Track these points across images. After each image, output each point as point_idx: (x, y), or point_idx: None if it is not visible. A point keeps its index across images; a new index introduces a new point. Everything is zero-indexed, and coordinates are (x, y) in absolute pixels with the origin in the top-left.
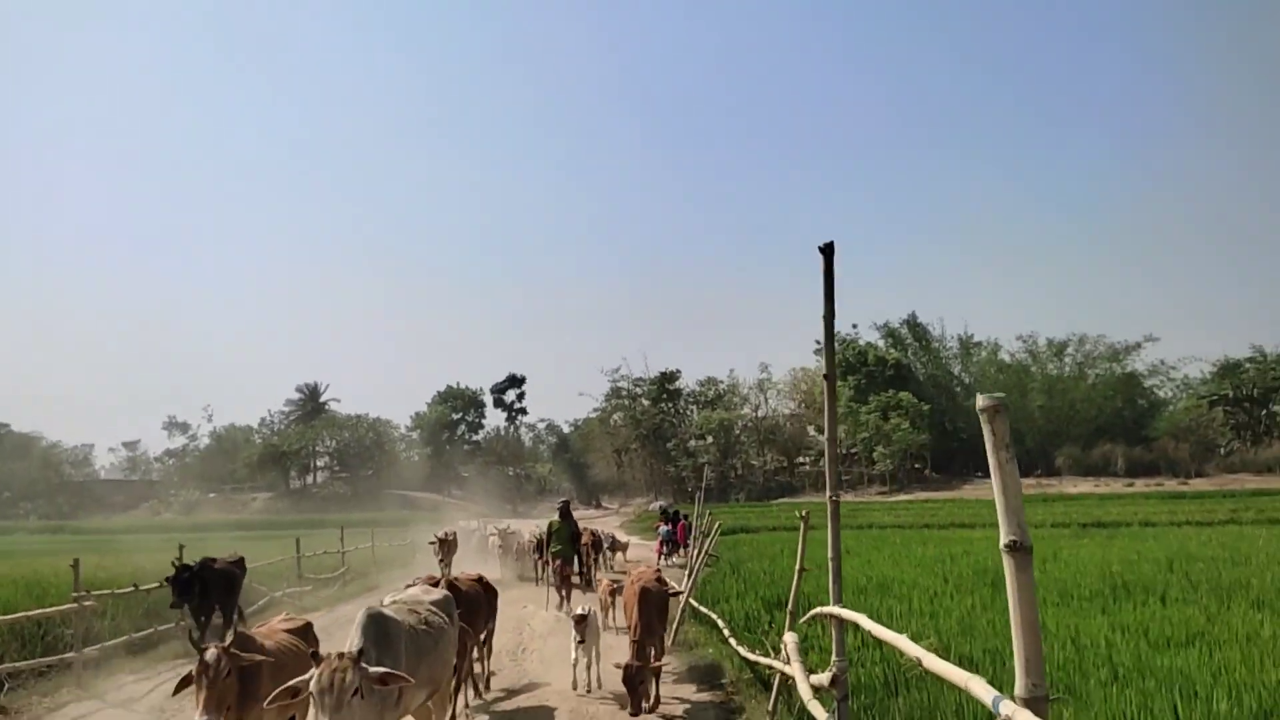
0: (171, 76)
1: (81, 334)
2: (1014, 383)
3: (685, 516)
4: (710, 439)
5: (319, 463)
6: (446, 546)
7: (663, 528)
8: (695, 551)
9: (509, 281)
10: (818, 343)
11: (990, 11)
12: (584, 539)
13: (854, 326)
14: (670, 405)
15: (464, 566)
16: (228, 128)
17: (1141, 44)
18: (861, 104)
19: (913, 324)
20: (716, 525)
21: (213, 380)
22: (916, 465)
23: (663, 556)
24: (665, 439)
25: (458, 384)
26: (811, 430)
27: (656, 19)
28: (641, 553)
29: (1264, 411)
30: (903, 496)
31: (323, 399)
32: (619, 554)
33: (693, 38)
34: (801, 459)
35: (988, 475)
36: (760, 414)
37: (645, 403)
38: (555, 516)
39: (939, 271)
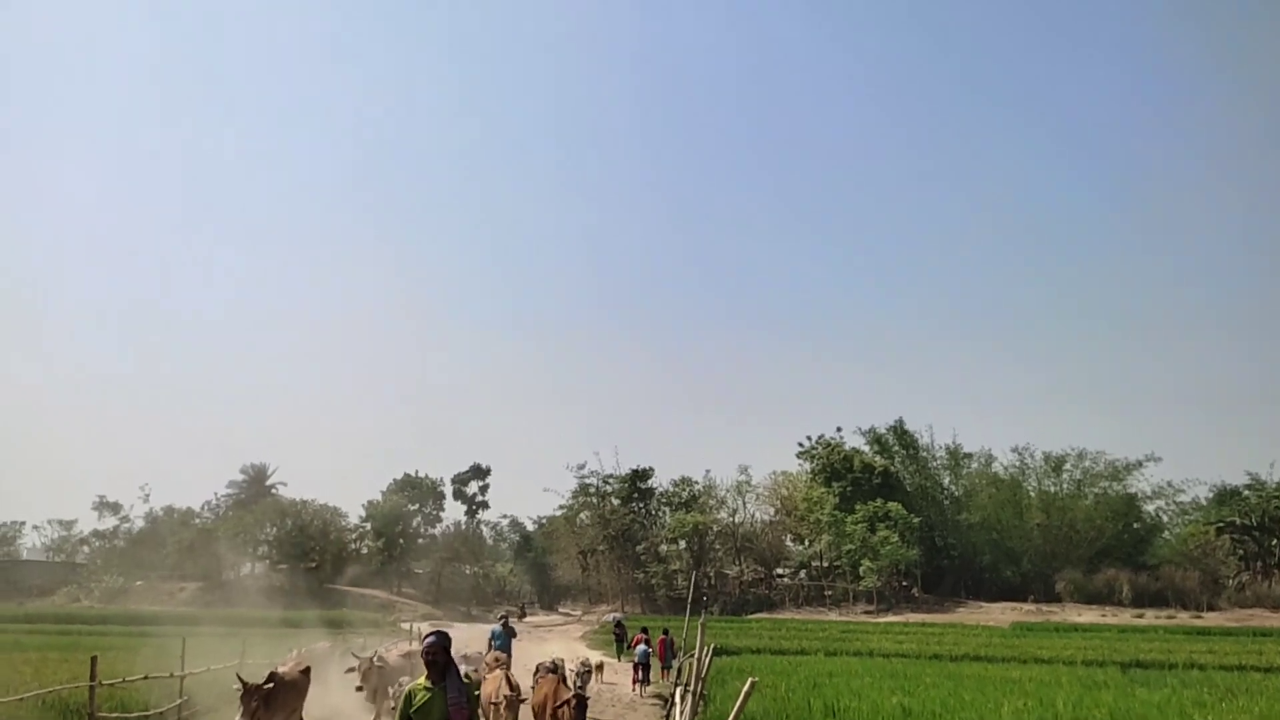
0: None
1: (12, 404)
2: (1008, 498)
3: (666, 632)
4: (683, 544)
5: (258, 551)
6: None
7: (640, 647)
8: (688, 679)
9: (473, 367)
10: (800, 445)
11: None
12: (489, 691)
13: (838, 430)
14: (641, 505)
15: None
16: (182, 187)
17: (1170, 125)
18: (857, 183)
19: (899, 430)
20: (710, 650)
21: (153, 459)
22: (904, 583)
23: (639, 685)
24: (635, 541)
25: (416, 472)
26: (789, 540)
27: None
28: (616, 681)
29: (1274, 541)
30: (892, 617)
31: (269, 482)
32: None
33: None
34: (780, 570)
35: (979, 598)
36: (737, 519)
37: (615, 502)
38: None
39: (927, 375)
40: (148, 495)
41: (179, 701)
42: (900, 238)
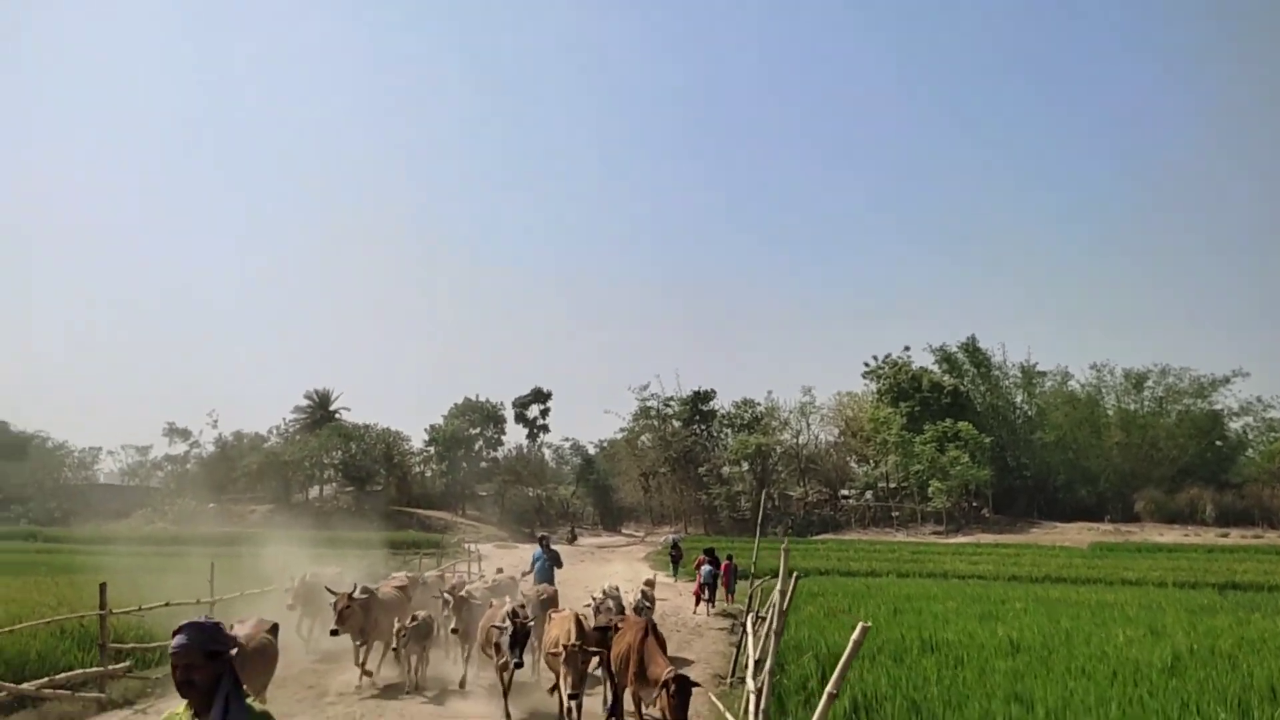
0: (184, 77)
1: (87, 334)
2: (1085, 417)
3: (730, 557)
4: (746, 465)
5: (324, 475)
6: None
7: (705, 566)
8: (760, 606)
9: (535, 289)
10: (866, 365)
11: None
12: (552, 637)
13: (906, 349)
14: (703, 428)
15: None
16: (242, 123)
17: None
18: (915, 121)
19: (971, 348)
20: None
21: (220, 385)
22: (974, 504)
23: (703, 602)
24: (697, 463)
25: (477, 396)
26: (853, 461)
27: (708, 24)
28: (668, 596)
29: None
30: (962, 538)
31: (333, 407)
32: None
33: (736, 40)
34: (845, 492)
35: (1053, 518)
36: (801, 440)
37: (676, 424)
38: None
39: (1000, 298)
40: (216, 421)
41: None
42: (970, 148)
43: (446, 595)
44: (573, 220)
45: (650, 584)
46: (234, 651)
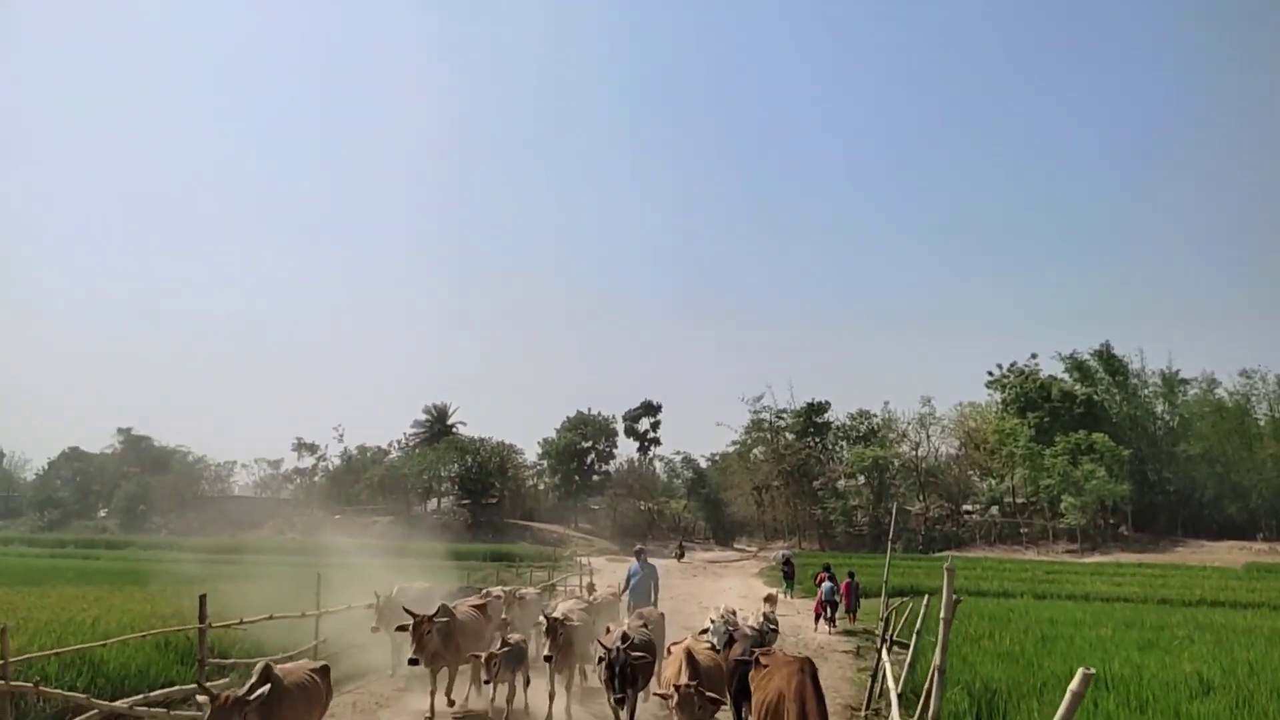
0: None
1: (218, 350)
2: (1234, 427)
3: (852, 575)
4: (862, 478)
5: (441, 487)
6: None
7: (825, 583)
8: (910, 639)
9: (647, 301)
10: (990, 374)
11: None
12: (667, 676)
13: (1033, 357)
14: (817, 440)
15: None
16: (366, 126)
17: None
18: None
19: (1105, 355)
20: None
21: (346, 401)
22: (1111, 521)
23: (823, 620)
24: (811, 477)
25: (589, 410)
26: (974, 475)
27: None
28: (785, 614)
29: None
30: (1099, 557)
31: (450, 421)
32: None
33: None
34: (968, 507)
35: (1199, 536)
36: (920, 453)
37: (789, 436)
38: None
39: (1138, 303)
40: (342, 435)
41: (314, 643)
42: (1099, 142)
43: (542, 618)
44: (687, 229)
45: (771, 601)
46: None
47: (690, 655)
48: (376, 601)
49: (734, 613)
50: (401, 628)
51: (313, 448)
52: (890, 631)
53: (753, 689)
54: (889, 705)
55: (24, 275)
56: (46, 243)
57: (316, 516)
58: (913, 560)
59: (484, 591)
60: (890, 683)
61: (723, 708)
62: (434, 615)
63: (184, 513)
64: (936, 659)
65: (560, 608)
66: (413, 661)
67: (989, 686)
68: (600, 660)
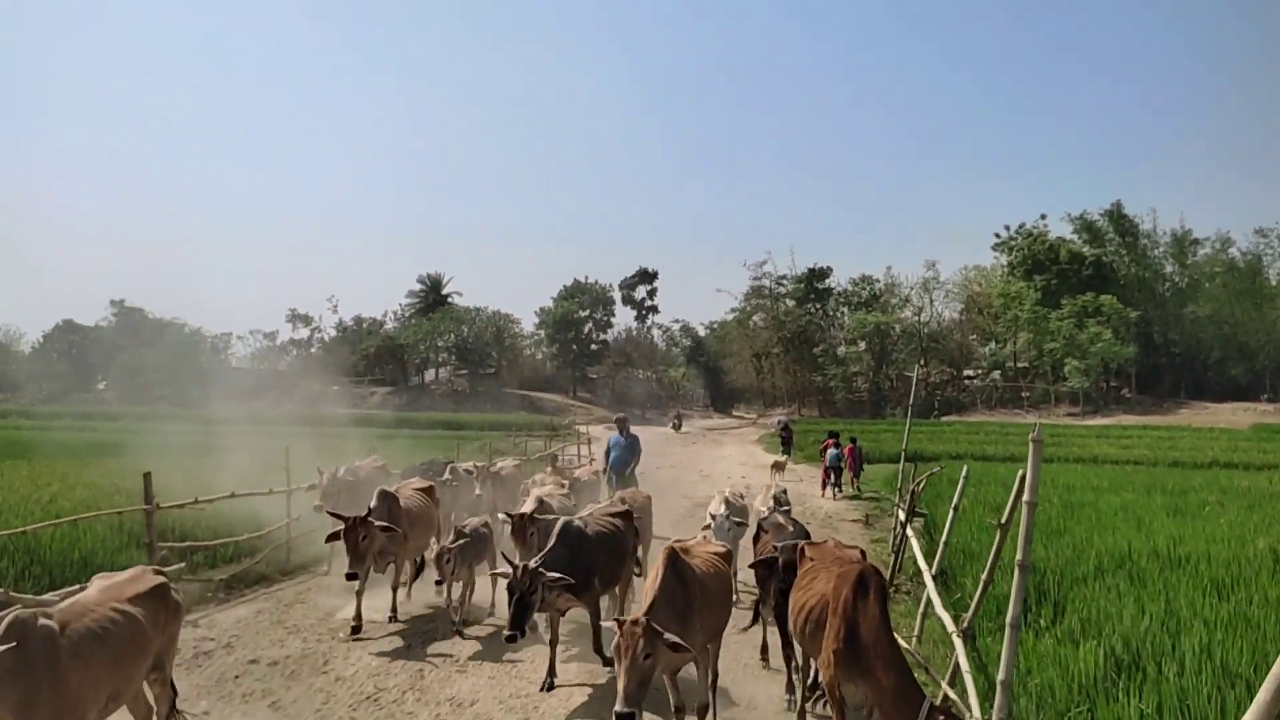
0: None
1: (209, 221)
2: (1245, 287)
3: (854, 440)
4: (864, 344)
5: (439, 358)
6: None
7: (830, 450)
8: (902, 508)
9: (639, 166)
10: (997, 236)
11: None
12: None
13: (1042, 217)
14: (818, 306)
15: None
16: (363, 31)
17: None
18: None
19: (1116, 215)
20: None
21: (339, 271)
22: (1113, 384)
23: (829, 487)
24: (812, 343)
25: (586, 278)
26: (974, 340)
27: None
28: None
29: None
30: (1101, 419)
31: (445, 291)
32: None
33: None
34: (970, 372)
35: (1203, 398)
36: (923, 318)
37: (790, 303)
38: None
39: (1147, 152)
40: (336, 306)
41: (286, 521)
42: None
43: (504, 516)
44: (677, 98)
45: (780, 468)
46: None
47: (672, 555)
48: (320, 480)
49: (742, 495)
50: (333, 535)
51: (307, 319)
52: (913, 503)
53: (793, 587)
54: (910, 580)
55: (12, 142)
56: (36, 108)
57: (314, 388)
58: (914, 424)
59: (450, 467)
60: (922, 562)
61: (752, 624)
62: (366, 516)
63: (182, 385)
64: (1019, 555)
65: (535, 492)
66: (350, 576)
67: (1036, 567)
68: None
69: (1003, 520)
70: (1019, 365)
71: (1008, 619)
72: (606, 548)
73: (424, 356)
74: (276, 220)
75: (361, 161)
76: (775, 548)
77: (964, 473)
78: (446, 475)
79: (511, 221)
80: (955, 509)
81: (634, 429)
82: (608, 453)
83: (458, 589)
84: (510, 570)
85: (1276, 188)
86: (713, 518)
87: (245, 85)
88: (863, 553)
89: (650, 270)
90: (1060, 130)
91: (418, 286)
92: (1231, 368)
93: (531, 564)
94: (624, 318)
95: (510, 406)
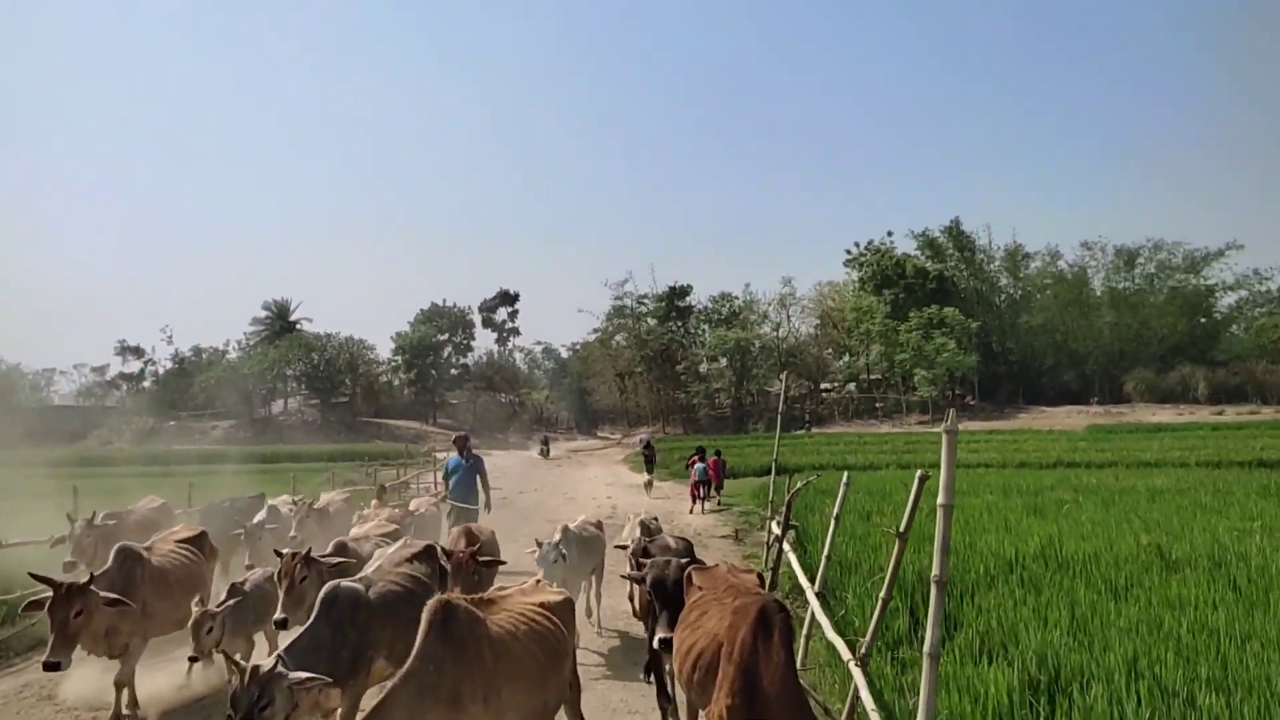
0: None
1: (34, 249)
2: (1073, 297)
3: (718, 453)
4: (725, 361)
5: (287, 387)
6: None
7: (697, 465)
8: (777, 521)
9: (501, 189)
10: (848, 253)
11: None
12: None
13: (889, 234)
14: (679, 324)
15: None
16: (205, 26)
17: None
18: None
19: (955, 231)
20: (802, 485)
21: (174, 300)
22: (958, 392)
23: (698, 501)
24: (674, 361)
25: (443, 301)
26: (829, 353)
27: None
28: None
29: None
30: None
31: (293, 318)
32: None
33: None
34: (827, 385)
35: (1038, 403)
36: (781, 334)
37: (651, 322)
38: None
39: (985, 177)
40: (170, 337)
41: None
42: (957, 19)
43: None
44: (535, 115)
45: (649, 486)
46: None
47: (446, 615)
48: (71, 529)
49: (656, 519)
50: (32, 604)
51: (139, 351)
52: (787, 516)
53: (679, 622)
54: (787, 597)
55: None
56: None
57: (147, 424)
58: (772, 438)
59: (269, 506)
60: (803, 579)
61: (641, 660)
62: (87, 584)
63: None
64: (935, 569)
65: (355, 530)
66: (49, 666)
67: (921, 577)
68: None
69: (902, 528)
70: (872, 377)
71: (925, 648)
72: (395, 614)
73: (270, 386)
74: (106, 246)
75: (197, 183)
76: (641, 562)
77: (844, 479)
78: (261, 515)
79: (366, 245)
80: (836, 519)
81: (496, 455)
82: (446, 478)
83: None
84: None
85: (1101, 203)
86: (538, 545)
87: (59, 94)
88: (761, 578)
89: (511, 292)
90: (906, 149)
91: (263, 314)
92: (1064, 373)
93: (265, 663)
94: (485, 341)
95: (365, 436)
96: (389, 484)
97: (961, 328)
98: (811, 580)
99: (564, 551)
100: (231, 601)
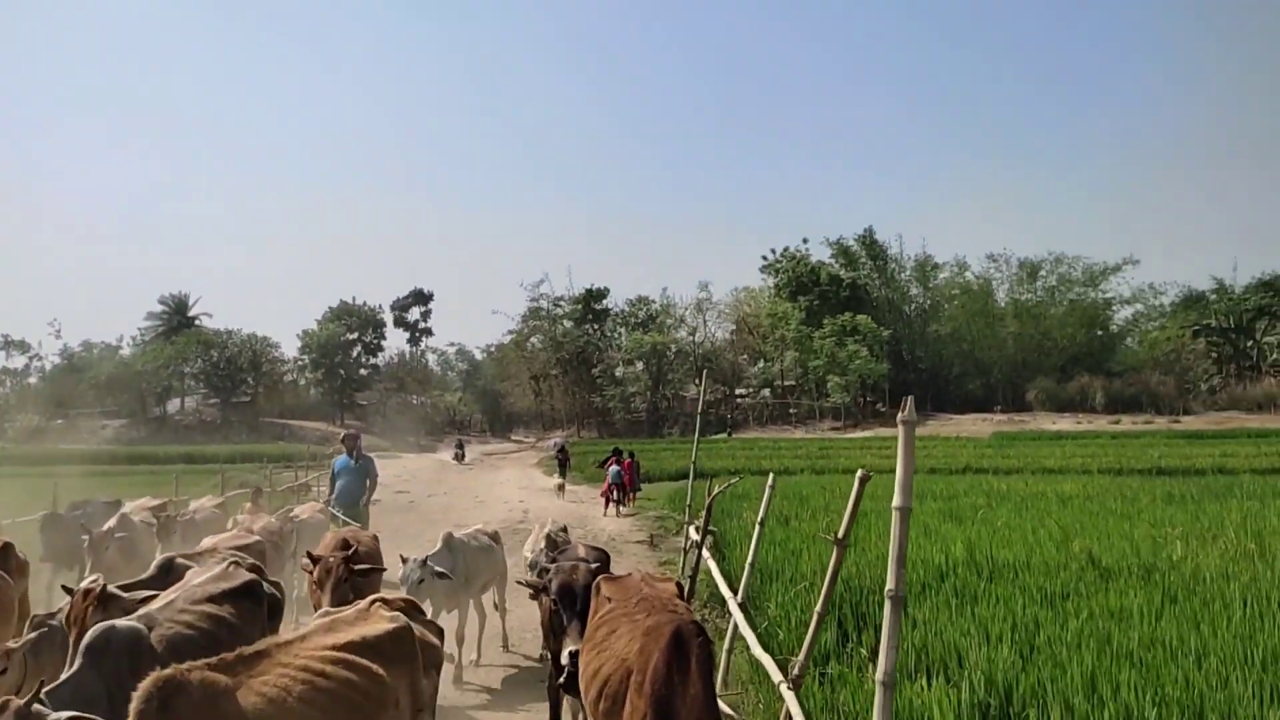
0: None
1: None
2: (979, 308)
3: (632, 455)
4: (641, 365)
5: (185, 385)
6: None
7: (612, 467)
8: (695, 526)
9: (413, 185)
10: (764, 259)
11: None
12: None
13: (804, 241)
14: (596, 327)
15: None
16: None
17: None
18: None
19: (868, 240)
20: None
21: (62, 293)
22: (870, 398)
23: (612, 504)
24: (590, 365)
25: (353, 299)
26: (744, 359)
27: None
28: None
29: (1249, 343)
30: (861, 432)
31: (192, 313)
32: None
33: None
34: (741, 390)
35: (945, 410)
36: (698, 338)
37: (568, 324)
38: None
39: (899, 183)
40: (59, 331)
41: None
42: (874, 33)
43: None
44: (449, 110)
45: (561, 490)
46: None
47: (166, 694)
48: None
49: (563, 531)
50: None
51: (23, 345)
52: (705, 521)
53: (584, 639)
54: (704, 606)
55: None
56: None
57: (32, 421)
58: (690, 443)
59: (120, 515)
60: (725, 589)
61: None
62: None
63: None
64: (890, 583)
65: (207, 541)
66: None
67: (847, 584)
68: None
69: (840, 533)
70: (786, 383)
71: (878, 675)
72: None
73: (166, 384)
74: None
75: (91, 169)
76: (546, 569)
77: (770, 482)
78: (112, 523)
79: (271, 240)
80: (761, 523)
81: (407, 458)
82: (333, 480)
83: None
84: None
85: (1006, 215)
86: (403, 560)
87: None
88: (680, 587)
89: (425, 291)
90: (821, 157)
91: (159, 308)
92: (969, 382)
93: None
94: (396, 341)
95: (268, 437)
96: (267, 489)
97: (874, 335)
98: (733, 589)
99: (435, 570)
100: (33, 636)
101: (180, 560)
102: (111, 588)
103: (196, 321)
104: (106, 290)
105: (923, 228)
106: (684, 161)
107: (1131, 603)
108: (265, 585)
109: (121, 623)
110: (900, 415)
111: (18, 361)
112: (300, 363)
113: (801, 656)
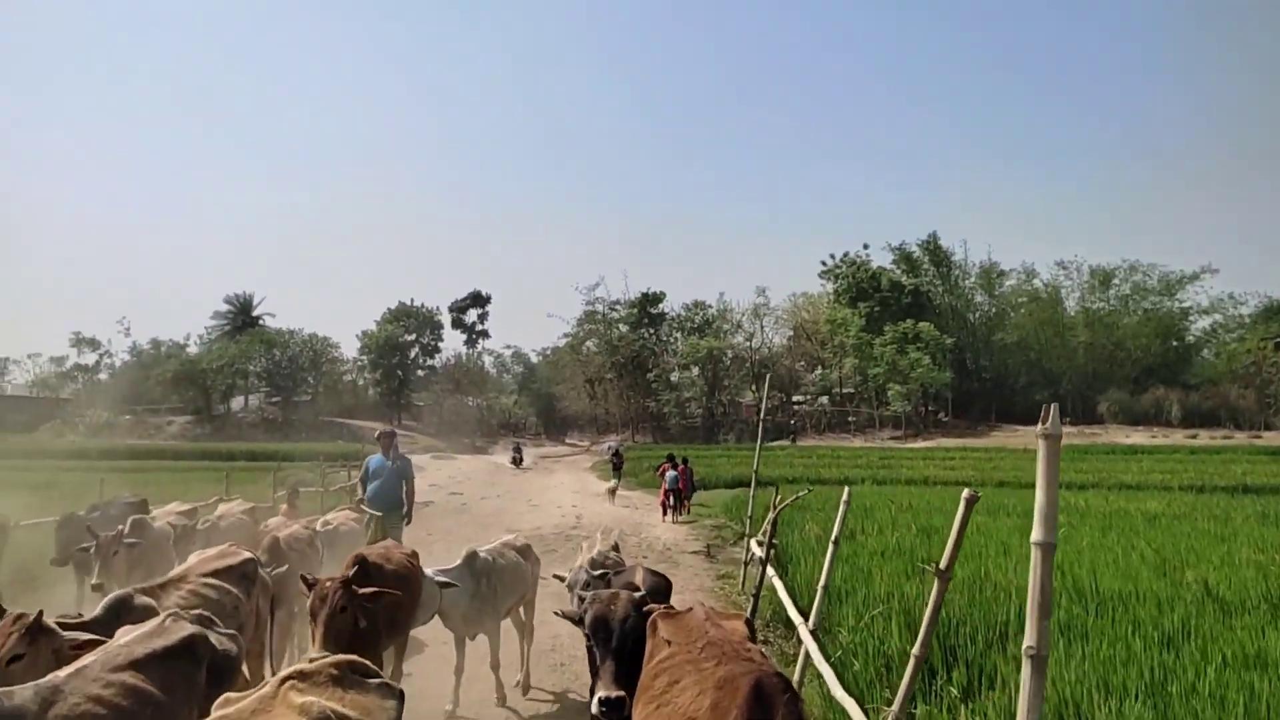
0: None
1: None
2: (1048, 317)
3: (685, 461)
4: (697, 370)
5: (248, 384)
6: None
7: (669, 473)
8: (761, 537)
9: (473, 190)
10: (823, 264)
11: None
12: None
13: (865, 247)
14: (651, 331)
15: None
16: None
17: None
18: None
19: (931, 246)
20: (791, 500)
21: (132, 291)
22: (932, 408)
23: (670, 511)
24: (645, 369)
25: (412, 301)
26: (800, 365)
27: None
28: (598, 508)
29: None
30: (922, 442)
31: (256, 313)
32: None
33: None
34: (799, 397)
35: (1011, 421)
36: (754, 344)
37: (623, 328)
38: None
39: (964, 190)
40: (128, 329)
41: None
42: (934, 41)
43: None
44: (509, 115)
45: (613, 493)
46: None
47: None
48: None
49: (616, 548)
50: None
51: (94, 343)
52: (773, 534)
53: (640, 688)
54: (767, 627)
55: None
56: None
57: (101, 417)
58: (747, 450)
59: (133, 520)
60: (795, 614)
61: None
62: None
63: None
64: (1030, 638)
65: (192, 558)
66: None
67: (904, 606)
68: None
69: (943, 564)
70: (845, 390)
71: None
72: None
73: (230, 383)
74: (66, 235)
75: (161, 174)
76: (581, 596)
77: (845, 496)
78: (122, 527)
79: (333, 241)
80: (835, 542)
81: (462, 460)
82: (364, 480)
83: None
84: None
85: (1075, 222)
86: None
87: (20, 85)
88: (750, 625)
89: (483, 293)
90: (884, 161)
91: (225, 308)
92: (1036, 392)
93: None
94: (453, 342)
95: (327, 436)
96: (319, 488)
97: (936, 343)
98: (799, 610)
99: (438, 580)
100: None
101: (141, 599)
102: (49, 620)
103: (260, 321)
104: (175, 289)
105: (987, 235)
106: (742, 167)
107: (1271, 645)
108: (213, 639)
109: (8, 701)
110: (1041, 427)
111: (89, 358)
112: (359, 363)
113: (896, 707)
